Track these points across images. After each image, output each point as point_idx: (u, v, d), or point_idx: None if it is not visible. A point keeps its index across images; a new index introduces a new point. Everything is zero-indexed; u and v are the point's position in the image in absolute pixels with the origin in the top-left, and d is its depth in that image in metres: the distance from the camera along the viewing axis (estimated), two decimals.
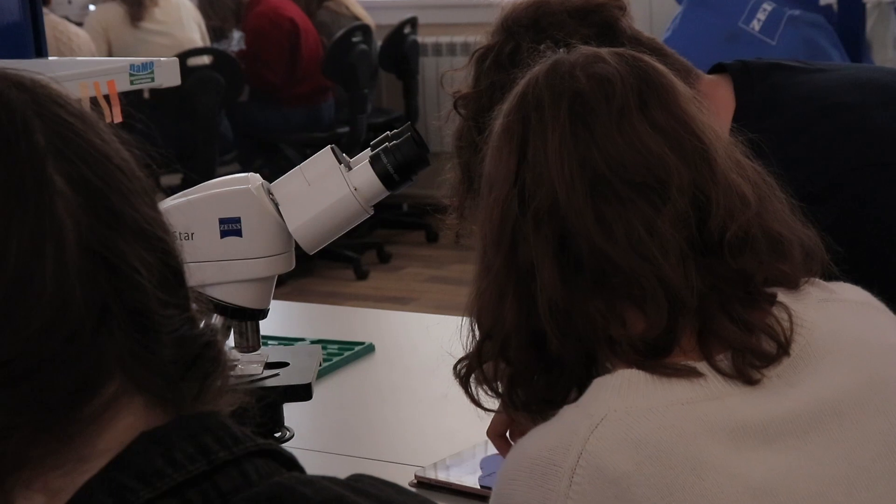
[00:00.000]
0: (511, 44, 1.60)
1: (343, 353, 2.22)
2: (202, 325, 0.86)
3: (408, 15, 7.09)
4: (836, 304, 1.24)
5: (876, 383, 1.19)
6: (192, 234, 1.50)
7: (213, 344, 0.85)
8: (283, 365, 1.61)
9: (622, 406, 1.14)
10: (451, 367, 1.32)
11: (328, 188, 1.51)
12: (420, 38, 7.36)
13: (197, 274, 1.54)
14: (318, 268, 6.40)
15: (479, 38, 1.68)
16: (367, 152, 1.56)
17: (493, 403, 1.31)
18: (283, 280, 5.64)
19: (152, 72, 1.83)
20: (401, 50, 6.89)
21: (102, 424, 0.79)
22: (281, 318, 2.67)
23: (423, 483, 1.71)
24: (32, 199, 0.76)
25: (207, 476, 0.78)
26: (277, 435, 1.59)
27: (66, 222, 0.77)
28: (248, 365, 1.60)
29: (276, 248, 1.52)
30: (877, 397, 1.18)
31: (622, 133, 1.20)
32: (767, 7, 3.72)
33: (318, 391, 2.10)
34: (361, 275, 6.18)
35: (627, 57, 1.26)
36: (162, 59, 1.85)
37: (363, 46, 6.38)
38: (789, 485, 1.12)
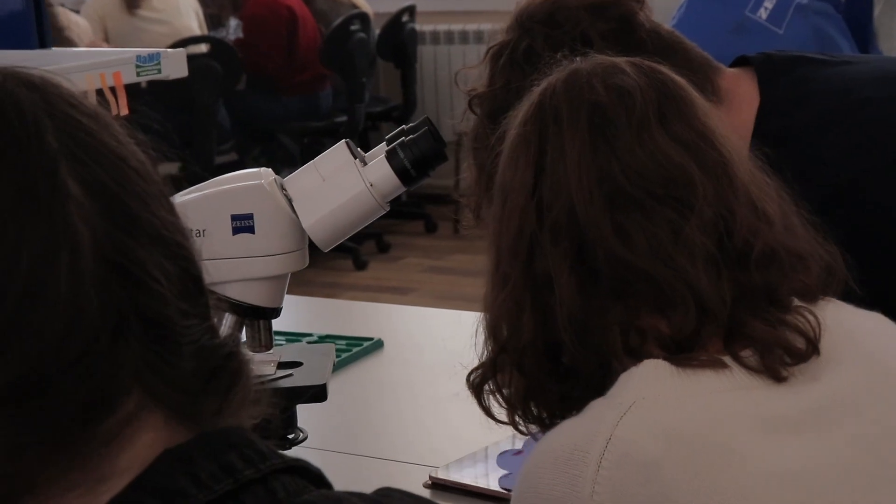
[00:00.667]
0: (526, 40, 1.57)
1: (352, 350, 2.19)
2: (223, 334, 0.82)
3: (406, 3, 7.04)
4: (849, 310, 1.26)
5: (891, 381, 1.20)
6: (203, 230, 1.45)
7: (236, 355, 0.81)
8: (297, 364, 1.57)
9: (650, 394, 1.14)
10: (461, 365, 1.30)
11: (343, 184, 1.47)
12: (418, 27, 7.31)
13: (211, 271, 1.51)
14: (317, 258, 6.33)
15: (493, 32, 1.64)
16: (383, 146, 1.52)
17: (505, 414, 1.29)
18: None
19: (159, 63, 1.79)
20: (399, 38, 6.84)
21: (122, 442, 0.75)
22: (286, 312, 2.63)
23: (437, 484, 1.68)
24: (45, 205, 0.72)
25: (233, 495, 0.74)
26: (291, 436, 1.55)
27: (80, 229, 0.72)
28: (261, 365, 1.56)
29: (289, 246, 1.48)
30: (893, 394, 1.19)
31: (642, 145, 1.19)
32: None
33: (328, 389, 2.07)
34: (361, 265, 6.14)
35: (645, 68, 1.25)
36: (169, 49, 1.81)
37: (361, 35, 6.34)
38: (816, 473, 1.12)
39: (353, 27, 6.30)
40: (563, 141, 1.20)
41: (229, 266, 1.46)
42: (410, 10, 7.05)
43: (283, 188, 1.49)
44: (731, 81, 1.64)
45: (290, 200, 1.48)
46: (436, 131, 1.50)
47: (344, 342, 2.24)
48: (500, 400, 1.27)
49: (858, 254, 1.49)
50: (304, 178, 1.49)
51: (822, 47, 3.61)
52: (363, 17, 6.48)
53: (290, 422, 1.56)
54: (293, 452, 1.57)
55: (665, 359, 1.16)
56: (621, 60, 1.26)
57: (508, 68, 1.57)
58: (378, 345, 2.19)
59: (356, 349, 2.19)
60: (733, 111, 1.61)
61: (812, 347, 1.17)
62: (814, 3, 3.70)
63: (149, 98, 5.28)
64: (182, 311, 0.77)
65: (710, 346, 1.17)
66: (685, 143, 1.20)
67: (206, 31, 6.48)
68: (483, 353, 1.27)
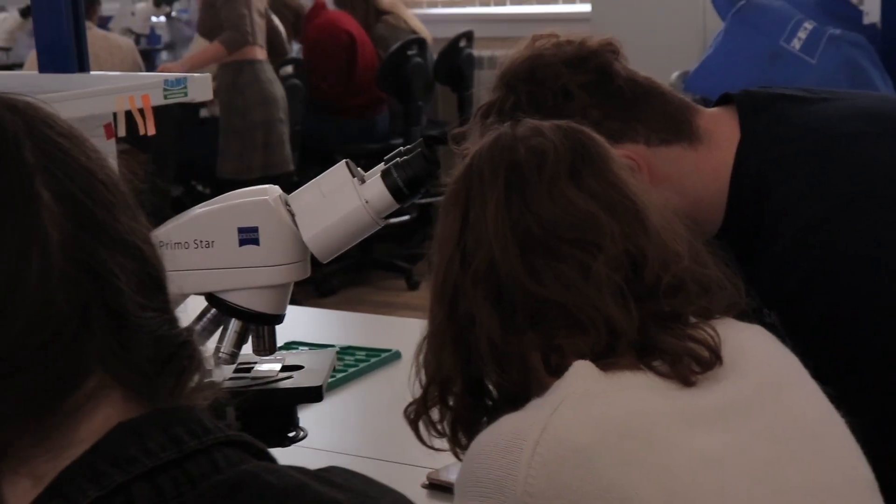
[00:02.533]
0: (512, 98, 1.66)
1: (370, 360, 2.30)
2: (181, 327, 0.94)
3: (464, 28, 7.16)
4: (737, 325, 1.41)
5: (782, 381, 1.37)
6: (213, 241, 1.58)
7: (189, 344, 0.93)
8: (298, 368, 1.69)
9: (580, 388, 1.28)
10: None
11: (341, 200, 1.59)
12: (476, 52, 7.43)
13: (216, 280, 1.63)
14: (370, 277, 6.49)
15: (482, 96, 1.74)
16: (382, 166, 1.63)
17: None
18: (334, 289, 5.70)
19: (185, 87, 1.92)
20: (456, 63, 6.96)
21: (83, 415, 0.87)
22: (315, 325, 2.76)
23: (434, 484, 1.77)
24: (21, 212, 0.85)
25: (178, 463, 0.86)
26: (291, 434, 1.66)
27: (51, 232, 0.85)
28: (265, 367, 1.68)
29: (291, 257, 1.60)
30: (781, 394, 1.35)
31: (553, 198, 1.36)
32: (808, 26, 3.74)
33: (340, 395, 2.19)
34: (413, 285, 6.25)
35: (567, 130, 1.42)
36: (195, 74, 1.94)
37: (418, 59, 6.47)
38: (730, 459, 1.27)
39: (410, 52, 6.44)
40: (484, 196, 1.37)
41: (235, 275, 1.58)
42: (468, 35, 7.17)
43: (287, 204, 1.61)
44: (710, 121, 1.72)
45: (292, 215, 1.60)
46: (429, 153, 1.61)
47: (364, 353, 2.36)
48: (434, 431, 1.43)
49: (822, 284, 1.57)
50: (306, 195, 1.61)
51: (854, 77, 3.68)
52: (420, 43, 6.61)
53: (291, 420, 1.67)
54: (292, 450, 1.69)
55: (591, 361, 1.30)
56: (546, 124, 1.42)
57: (496, 126, 1.67)
58: (395, 356, 2.30)
59: (374, 359, 2.30)
60: (712, 149, 1.70)
61: (715, 356, 1.32)
62: (847, 34, 3.78)
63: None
64: (140, 304, 0.89)
65: (624, 359, 1.31)
66: (596, 194, 1.36)
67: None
68: (416, 387, 1.43)
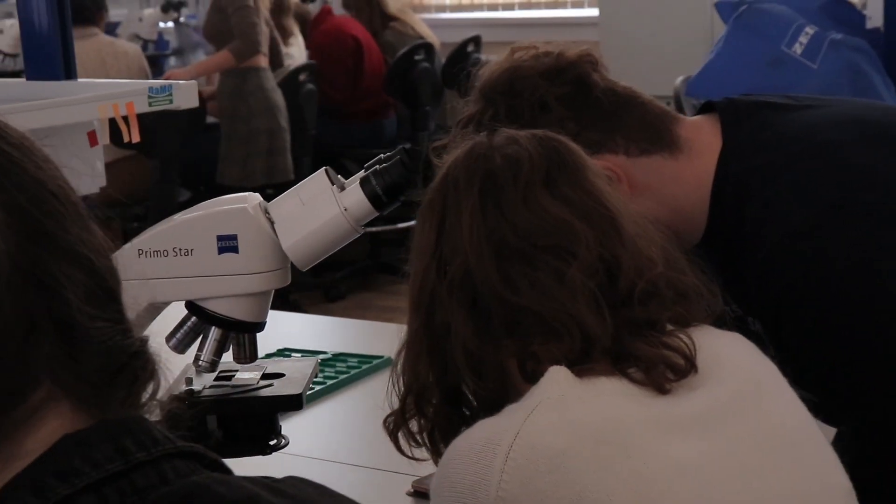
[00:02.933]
0: (490, 110, 1.67)
1: (361, 367, 2.30)
2: (134, 337, 0.93)
3: (472, 33, 7.16)
4: (714, 332, 1.42)
5: (759, 388, 1.37)
6: (192, 250, 1.58)
7: (142, 354, 0.93)
8: (280, 376, 1.68)
9: (555, 394, 1.28)
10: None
11: (320, 208, 1.58)
12: (484, 56, 7.42)
13: (196, 288, 1.63)
14: (379, 283, 6.50)
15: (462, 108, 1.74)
16: (361, 174, 1.63)
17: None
18: (343, 294, 5.70)
19: (170, 94, 1.92)
20: (464, 68, 6.95)
21: (30, 427, 0.86)
22: (310, 332, 2.76)
23: (419, 492, 1.77)
24: None
25: (125, 475, 0.86)
26: (272, 443, 1.66)
27: None
28: (245, 375, 1.68)
29: (271, 265, 1.59)
30: (758, 402, 1.35)
31: (528, 206, 1.36)
32: (810, 31, 3.74)
33: (329, 402, 2.18)
34: None
35: (542, 138, 1.43)
36: (181, 81, 1.94)
37: (425, 64, 6.47)
38: (706, 466, 1.27)
39: (417, 57, 6.44)
40: (459, 205, 1.38)
41: (215, 283, 1.58)
42: (476, 40, 7.16)
43: (266, 212, 1.61)
44: (690, 130, 1.72)
45: (272, 223, 1.60)
46: (409, 161, 1.60)
47: (356, 360, 2.36)
48: (413, 441, 1.44)
49: (812, 290, 1.56)
50: (285, 203, 1.60)
51: (856, 82, 3.67)
52: (427, 48, 6.61)
53: (272, 428, 1.66)
54: (275, 458, 1.68)
55: (566, 366, 1.30)
56: (522, 133, 1.43)
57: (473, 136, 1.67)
58: (388, 363, 2.29)
59: (366, 366, 2.30)
60: (693, 158, 1.70)
61: (690, 364, 1.32)
62: (848, 38, 3.77)
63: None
64: (90, 314, 0.89)
65: (599, 365, 1.31)
66: (571, 201, 1.37)
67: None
68: (394, 397, 1.44)
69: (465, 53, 7.01)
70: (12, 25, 6.48)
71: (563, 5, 7.88)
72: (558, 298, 1.32)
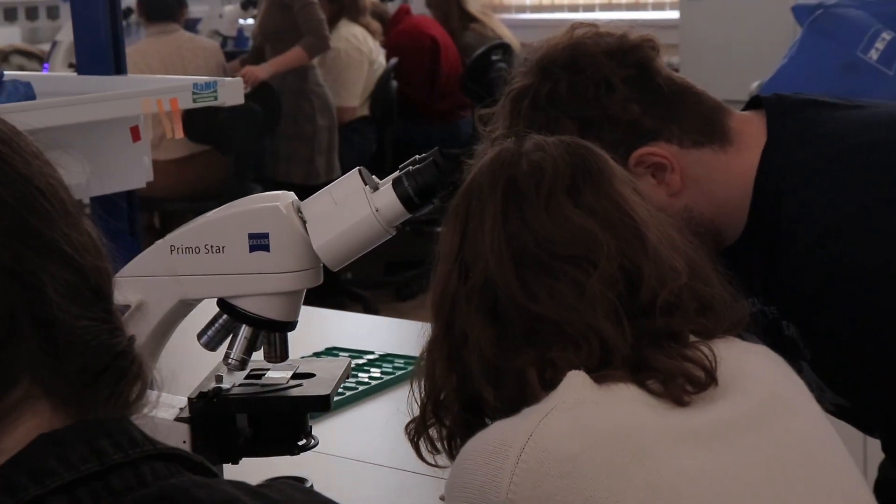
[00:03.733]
0: (548, 84, 1.63)
1: (406, 368, 2.29)
2: (122, 336, 0.92)
3: (551, 35, 7.12)
4: (740, 345, 1.40)
5: (780, 402, 1.34)
6: (224, 247, 1.57)
7: (128, 353, 0.92)
8: (310, 376, 1.67)
9: (571, 398, 1.27)
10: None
11: (352, 208, 1.57)
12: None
13: (227, 285, 1.62)
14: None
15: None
16: (396, 174, 1.61)
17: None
18: (414, 293, 5.69)
19: (215, 91, 1.92)
20: None
21: (7, 425, 0.86)
22: (361, 332, 2.75)
23: None
24: None
25: (101, 476, 0.85)
26: (301, 443, 1.65)
27: None
28: (276, 374, 1.67)
29: (302, 264, 1.58)
30: (778, 416, 1.33)
31: (550, 214, 1.35)
32: (887, 36, 3.66)
33: (371, 403, 2.18)
34: None
35: (571, 145, 1.41)
36: (226, 79, 1.94)
37: (502, 65, 6.44)
38: (725, 476, 1.25)
39: (494, 57, 6.42)
40: (483, 211, 1.37)
41: (246, 281, 1.57)
42: None
43: (299, 211, 1.60)
44: (741, 123, 1.69)
45: (304, 222, 1.59)
46: (442, 162, 1.58)
47: (402, 360, 2.35)
48: (433, 448, 1.43)
49: (839, 293, 1.53)
50: (318, 202, 1.59)
51: None
52: (505, 48, 6.58)
53: (301, 428, 1.65)
54: (309, 457, 1.67)
55: (585, 372, 1.29)
56: (551, 139, 1.42)
57: (531, 111, 1.64)
58: None
59: (410, 367, 2.29)
60: (741, 150, 1.67)
61: (710, 377, 1.30)
62: None
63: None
64: (73, 313, 0.88)
65: (618, 372, 1.30)
66: (594, 210, 1.35)
67: None
68: (415, 404, 1.44)
69: None
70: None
71: (644, 7, 7.81)
72: (577, 309, 1.31)
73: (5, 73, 1.95)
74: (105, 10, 2.05)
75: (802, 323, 1.59)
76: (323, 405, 1.61)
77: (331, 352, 2.51)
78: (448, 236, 1.41)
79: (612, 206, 1.37)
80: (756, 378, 1.35)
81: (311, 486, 1.69)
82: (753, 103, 1.74)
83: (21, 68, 7.41)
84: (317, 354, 2.52)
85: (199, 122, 5.62)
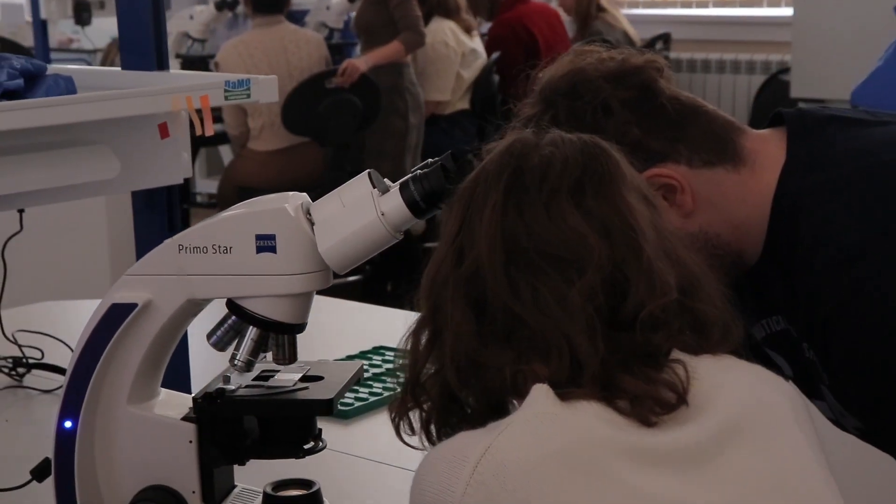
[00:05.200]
0: (550, 112, 1.62)
1: None
2: None
3: (661, 30, 7.03)
4: (728, 363, 1.34)
5: (748, 429, 1.28)
6: (231, 248, 1.56)
7: None
8: (319, 379, 1.66)
9: (532, 412, 1.25)
10: None
11: (358, 212, 1.55)
12: (673, 55, 7.28)
13: (234, 286, 1.62)
14: None
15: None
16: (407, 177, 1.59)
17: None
18: None
19: (248, 88, 1.92)
20: None
21: None
22: (387, 327, 2.72)
23: None
24: None
25: None
26: (307, 446, 1.64)
27: None
28: (285, 377, 1.66)
29: (310, 266, 1.56)
30: (751, 440, 1.28)
31: (549, 213, 1.32)
32: None
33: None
34: None
35: (587, 144, 1.37)
36: (260, 76, 1.93)
37: None
38: (687, 500, 1.21)
39: None
40: (485, 199, 1.35)
41: (253, 282, 1.56)
42: (665, 37, 7.03)
43: (308, 213, 1.58)
44: (756, 142, 1.65)
45: (313, 224, 1.57)
46: (453, 166, 1.55)
47: None
48: (411, 431, 1.41)
49: (854, 319, 1.47)
50: (327, 205, 1.57)
51: None
52: (610, 46, 6.50)
53: (309, 431, 1.64)
54: (325, 455, 1.66)
55: (550, 386, 1.27)
56: (569, 136, 1.38)
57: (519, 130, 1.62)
58: None
59: None
60: (756, 172, 1.63)
61: (680, 399, 1.27)
62: None
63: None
64: None
65: (585, 390, 1.27)
66: (593, 214, 1.32)
67: None
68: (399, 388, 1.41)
69: (653, 51, 6.88)
70: (201, 11, 6.66)
71: (759, 3, 7.66)
72: (554, 316, 1.28)
73: (49, 66, 1.97)
74: (148, 4, 2.05)
75: (818, 346, 1.54)
76: (325, 409, 1.60)
77: (378, 351, 2.51)
78: (450, 221, 1.39)
79: (612, 211, 1.33)
80: (734, 400, 1.30)
81: (319, 489, 1.68)
82: (776, 119, 1.69)
83: None
84: (363, 353, 2.51)
85: (298, 113, 5.67)
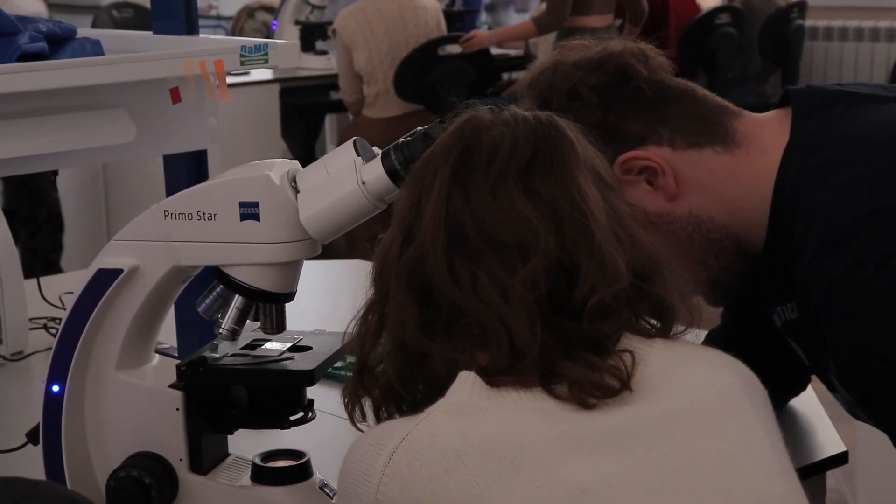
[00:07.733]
0: (531, 104, 1.58)
1: None
2: None
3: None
4: (681, 348, 1.29)
5: (696, 414, 1.23)
6: (215, 214, 1.55)
7: None
8: (308, 349, 1.64)
9: (454, 400, 1.22)
10: None
11: (341, 180, 1.51)
12: (808, 22, 7.06)
13: (219, 253, 1.60)
14: None
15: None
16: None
17: None
18: None
19: (266, 53, 1.89)
20: (784, 35, 6.64)
21: None
22: None
23: None
24: None
25: None
26: (294, 417, 1.62)
27: None
28: (271, 346, 1.64)
29: (294, 235, 1.54)
30: (698, 426, 1.23)
31: (495, 196, 1.27)
32: None
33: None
34: None
35: (542, 124, 1.31)
36: (278, 41, 1.91)
37: (729, 29, 6.21)
38: (613, 487, 1.15)
39: (718, 21, 6.19)
40: (433, 181, 1.31)
41: (237, 250, 1.54)
42: (801, 5, 6.82)
43: (294, 181, 1.55)
44: (751, 126, 1.60)
45: (297, 192, 1.54)
46: (435, 135, 1.51)
47: None
48: (361, 415, 1.39)
49: (845, 300, 1.39)
50: (312, 173, 1.55)
51: None
52: (735, 11, 6.34)
53: (297, 402, 1.62)
54: (316, 422, 1.64)
55: (478, 373, 1.23)
56: (523, 115, 1.33)
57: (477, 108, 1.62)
58: None
59: None
60: (753, 154, 1.58)
61: (623, 385, 1.22)
62: None
63: None
64: None
65: (518, 378, 1.24)
66: (542, 199, 1.26)
67: None
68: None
69: (786, 19, 6.69)
70: None
71: None
72: (493, 304, 1.24)
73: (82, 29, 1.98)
74: None
75: (813, 331, 1.46)
76: (306, 380, 1.57)
77: None
78: (401, 202, 1.36)
79: (563, 195, 1.28)
80: (683, 384, 1.25)
81: (308, 459, 1.65)
82: (784, 98, 1.62)
83: (265, 24, 7.62)
84: None
85: (410, 81, 5.65)
